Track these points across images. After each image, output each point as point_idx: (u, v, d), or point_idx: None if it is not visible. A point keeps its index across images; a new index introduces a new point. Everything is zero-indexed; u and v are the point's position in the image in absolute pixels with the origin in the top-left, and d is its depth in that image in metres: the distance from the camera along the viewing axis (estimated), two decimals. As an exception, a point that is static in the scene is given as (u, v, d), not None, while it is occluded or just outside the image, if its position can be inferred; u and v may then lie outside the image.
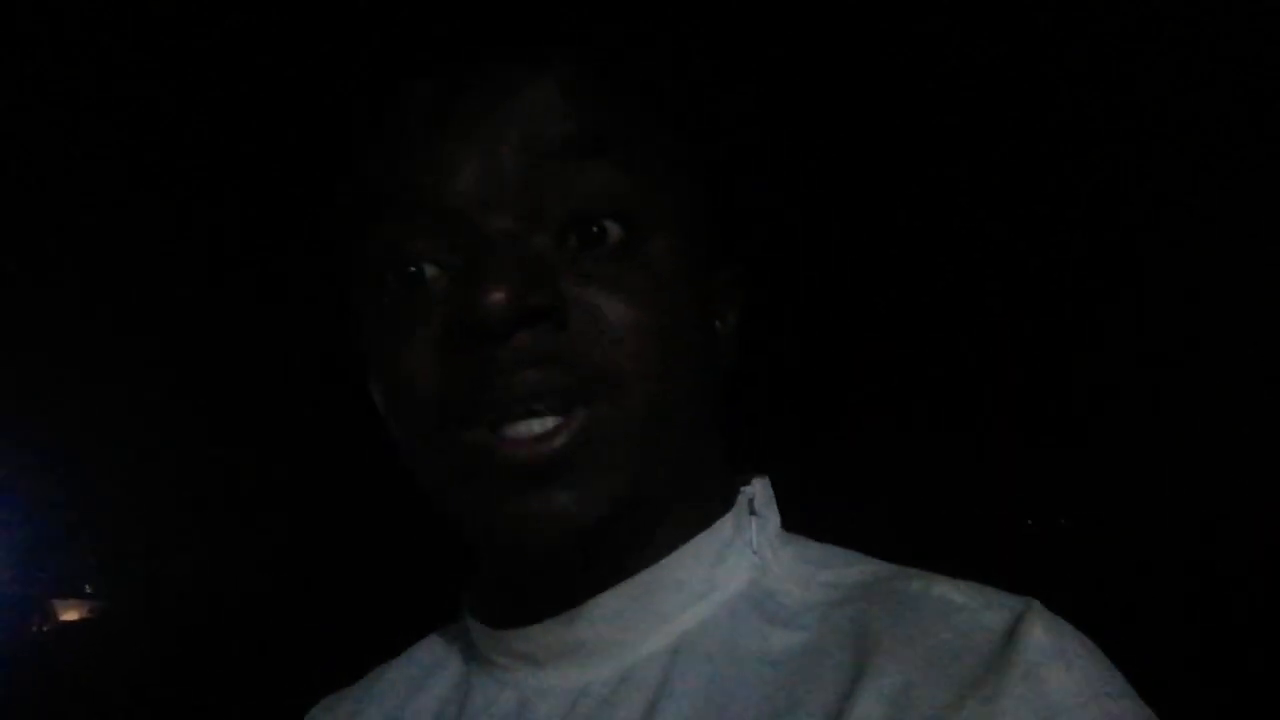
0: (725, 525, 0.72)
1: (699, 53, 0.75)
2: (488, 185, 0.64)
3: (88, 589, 4.15)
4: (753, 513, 0.74)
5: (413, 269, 0.65)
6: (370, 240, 0.67)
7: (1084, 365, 2.58)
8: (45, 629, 4.06)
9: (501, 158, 0.64)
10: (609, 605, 0.69)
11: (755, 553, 0.72)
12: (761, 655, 0.66)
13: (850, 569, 0.70)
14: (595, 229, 0.64)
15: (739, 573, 0.71)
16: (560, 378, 0.62)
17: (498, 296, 0.60)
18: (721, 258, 0.74)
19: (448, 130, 0.65)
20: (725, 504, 0.73)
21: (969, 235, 2.39)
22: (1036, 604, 0.62)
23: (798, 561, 0.72)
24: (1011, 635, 0.59)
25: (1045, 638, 0.59)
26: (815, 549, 0.74)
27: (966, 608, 0.63)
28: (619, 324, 0.64)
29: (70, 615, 4.11)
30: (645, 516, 0.68)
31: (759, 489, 0.75)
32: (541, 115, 0.65)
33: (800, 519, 0.76)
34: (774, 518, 0.75)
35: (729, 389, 0.74)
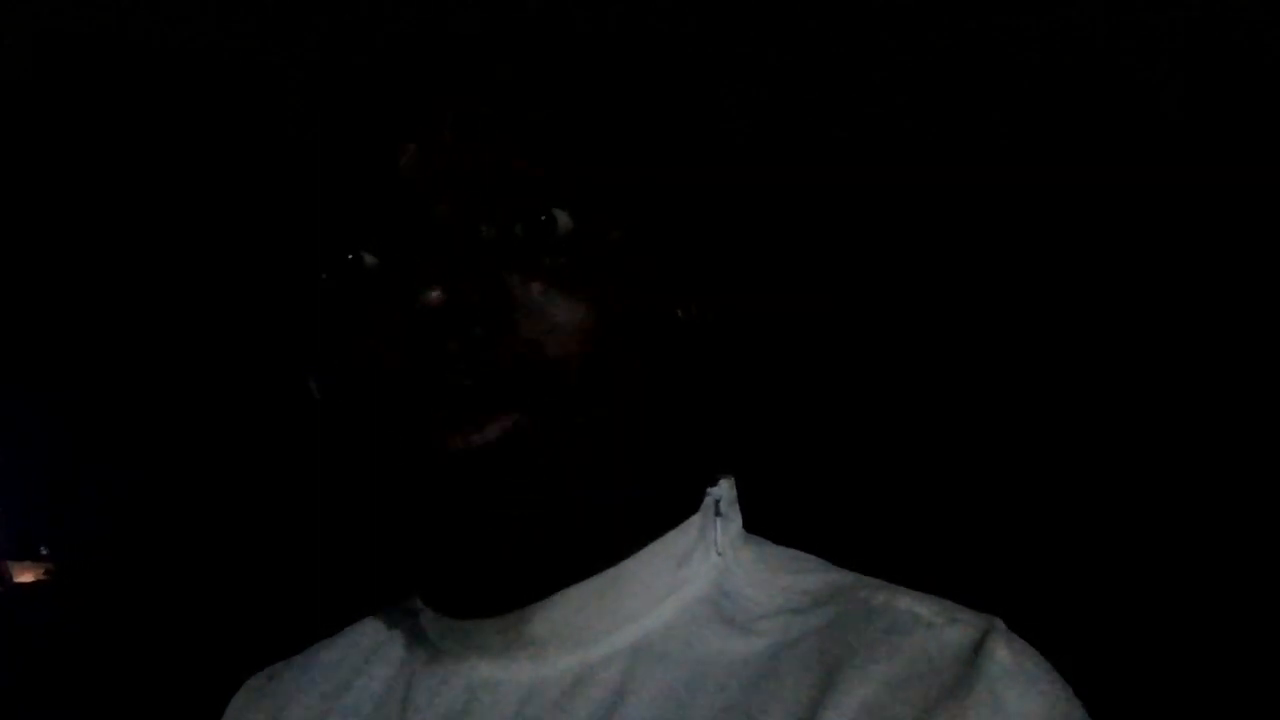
0: (691, 527, 0.72)
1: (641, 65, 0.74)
2: (431, 171, 0.62)
3: (43, 550, 4.12)
4: (718, 514, 0.73)
5: (350, 256, 0.64)
6: (316, 228, 0.65)
7: (1067, 363, 2.62)
8: (0, 590, 4.04)
9: (446, 144, 0.63)
10: (569, 602, 0.68)
11: (719, 554, 0.72)
12: (721, 660, 0.66)
13: (811, 576, 0.71)
14: (543, 217, 0.62)
15: (701, 575, 0.71)
16: (499, 378, 0.61)
17: (434, 295, 0.59)
18: (678, 249, 0.73)
19: (393, 117, 0.64)
20: (690, 504, 0.73)
21: (951, 230, 2.43)
22: (999, 623, 0.63)
23: (758, 564, 0.72)
24: (976, 654, 0.60)
25: (1008, 658, 0.60)
26: (776, 552, 0.74)
27: (931, 624, 0.63)
28: (564, 321, 0.62)
29: (26, 577, 4.09)
30: (597, 519, 0.66)
31: (725, 489, 0.75)
32: (487, 104, 0.64)
33: (761, 518, 0.76)
34: (737, 519, 0.75)
35: (694, 381, 0.73)
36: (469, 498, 0.62)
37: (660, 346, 0.69)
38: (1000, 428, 2.64)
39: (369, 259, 0.64)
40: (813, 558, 0.74)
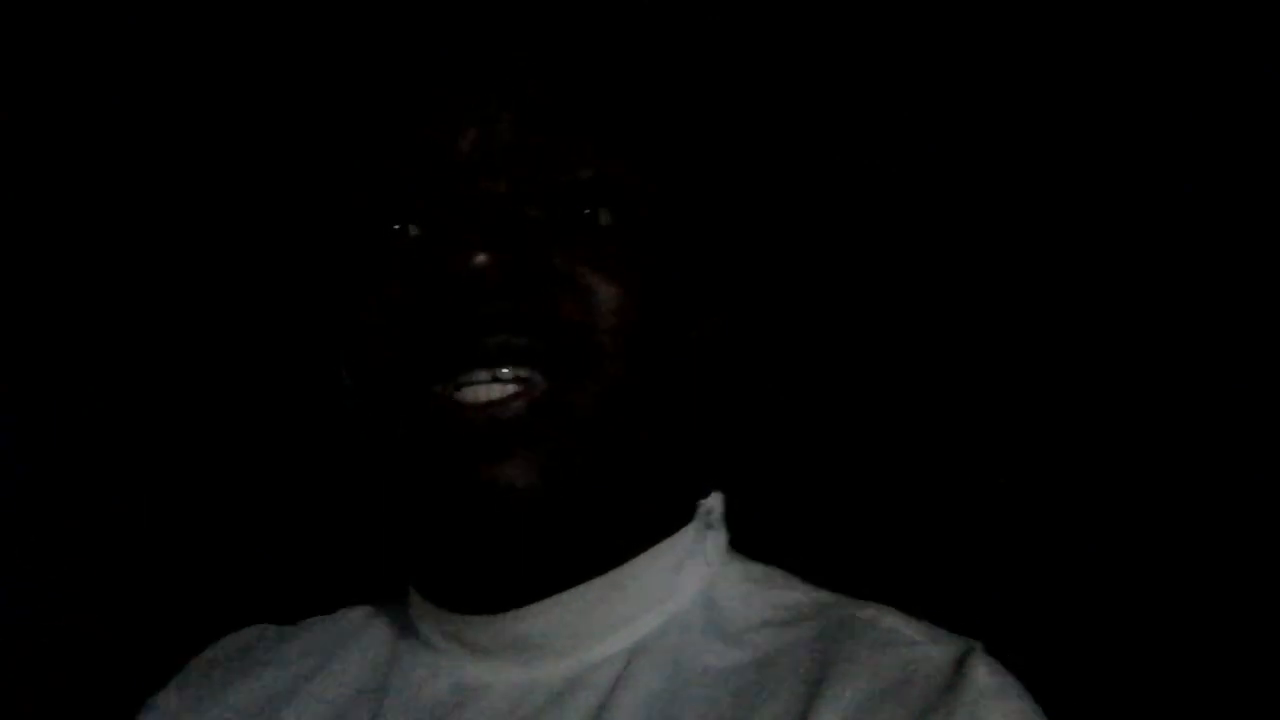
0: (686, 535, 0.73)
1: (702, 62, 0.77)
2: (485, 150, 0.64)
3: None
4: (709, 526, 0.75)
5: (396, 226, 0.65)
6: (357, 193, 0.67)
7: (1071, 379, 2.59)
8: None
9: (503, 126, 0.64)
10: (569, 605, 0.68)
11: (709, 565, 0.73)
12: (709, 671, 0.66)
13: (794, 592, 0.72)
14: (587, 210, 0.65)
15: (692, 585, 0.72)
16: (530, 342, 0.62)
17: (482, 257, 0.60)
18: (707, 268, 0.75)
19: (451, 92, 0.65)
20: (683, 514, 0.74)
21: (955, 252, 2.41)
22: (979, 645, 0.65)
23: (743, 579, 0.73)
24: (957, 672, 0.62)
25: (989, 678, 0.62)
26: (758, 569, 0.75)
27: (915, 641, 0.65)
28: (599, 300, 0.63)
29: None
30: (601, 507, 0.67)
31: (715, 502, 0.76)
32: (547, 92, 0.65)
33: (744, 539, 0.77)
34: (724, 533, 0.76)
35: (695, 401, 0.75)
36: (488, 468, 0.62)
37: (678, 352, 0.70)
38: (986, 447, 2.62)
39: (413, 230, 0.65)
40: (794, 577, 0.75)
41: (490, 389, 0.61)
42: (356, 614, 0.81)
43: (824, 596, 0.71)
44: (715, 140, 0.77)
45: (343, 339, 0.68)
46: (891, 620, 0.67)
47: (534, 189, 0.64)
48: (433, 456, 0.63)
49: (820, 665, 0.64)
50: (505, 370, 0.62)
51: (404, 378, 0.63)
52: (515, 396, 0.62)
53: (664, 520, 0.72)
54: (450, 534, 0.67)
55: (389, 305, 0.64)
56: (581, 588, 0.68)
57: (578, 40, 0.69)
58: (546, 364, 0.62)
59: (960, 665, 0.62)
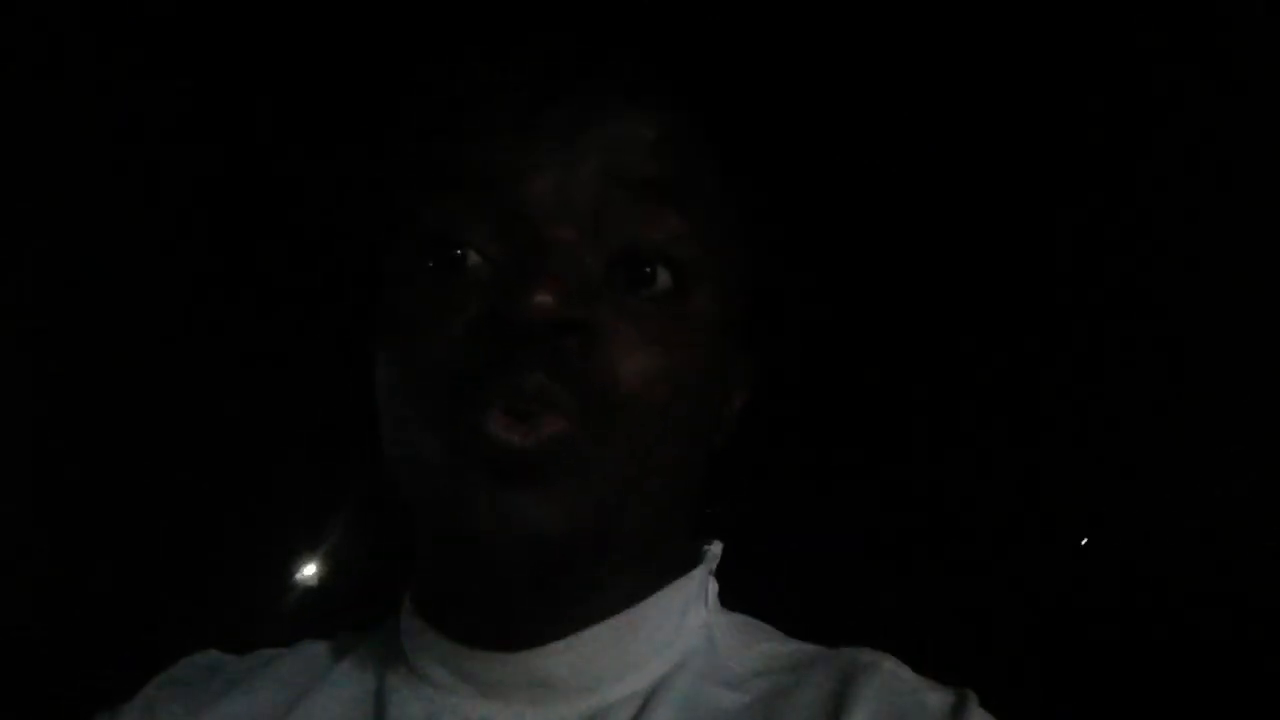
0: (693, 580, 0.74)
1: (783, 135, 0.78)
2: (559, 196, 0.64)
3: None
4: (711, 573, 0.77)
5: (458, 252, 0.66)
6: (427, 214, 0.67)
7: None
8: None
9: (580, 176, 0.65)
10: (588, 644, 0.68)
11: (707, 611, 0.75)
12: (722, 710, 0.69)
13: (783, 644, 0.75)
14: (647, 269, 0.66)
15: (695, 628, 0.73)
16: (571, 393, 0.62)
17: (544, 300, 0.61)
18: (749, 341, 0.76)
19: (536, 134, 0.66)
20: (688, 561, 0.75)
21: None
22: (971, 693, 0.68)
23: (732, 629, 0.76)
24: (957, 715, 0.66)
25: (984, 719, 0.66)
26: (741, 619, 0.78)
27: (915, 686, 0.69)
28: (642, 364, 0.64)
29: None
30: (613, 556, 0.67)
31: (718, 551, 0.78)
32: (627, 149, 0.66)
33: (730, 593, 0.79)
34: (716, 584, 0.78)
35: (716, 449, 0.76)
36: (505, 496, 0.62)
37: (706, 419, 0.71)
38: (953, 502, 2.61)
39: (473, 258, 0.66)
40: (776, 630, 0.77)
41: (519, 426, 0.62)
42: (322, 647, 0.79)
43: (811, 647, 0.74)
44: (783, 231, 0.78)
45: (391, 357, 0.68)
46: (892, 666, 0.70)
47: (600, 242, 0.65)
48: (456, 481, 0.63)
49: (832, 705, 0.67)
50: (543, 409, 0.62)
51: (440, 402, 0.64)
52: (540, 437, 0.62)
53: (673, 564, 0.73)
54: (465, 561, 0.67)
55: (443, 332, 0.64)
56: (597, 628, 0.69)
57: (675, 111, 0.69)
58: (576, 414, 0.63)
59: (958, 711, 0.66)
